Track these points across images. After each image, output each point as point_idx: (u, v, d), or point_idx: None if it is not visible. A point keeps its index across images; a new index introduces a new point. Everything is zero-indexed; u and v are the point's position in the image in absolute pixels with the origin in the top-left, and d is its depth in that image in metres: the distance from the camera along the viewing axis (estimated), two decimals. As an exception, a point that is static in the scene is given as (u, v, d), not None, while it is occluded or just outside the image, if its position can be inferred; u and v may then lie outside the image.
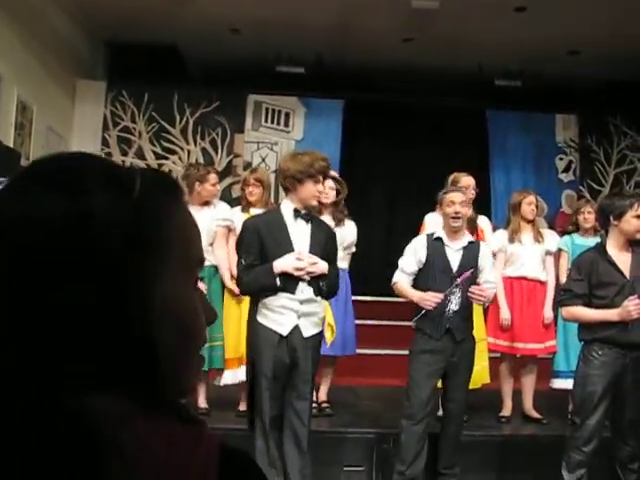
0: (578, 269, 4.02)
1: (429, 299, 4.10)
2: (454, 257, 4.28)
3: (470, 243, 4.35)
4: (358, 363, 5.95)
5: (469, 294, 4.13)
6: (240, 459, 0.73)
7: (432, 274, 4.25)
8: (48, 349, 0.65)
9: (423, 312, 4.13)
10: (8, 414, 0.63)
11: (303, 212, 3.86)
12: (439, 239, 4.33)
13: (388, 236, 9.16)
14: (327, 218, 5.16)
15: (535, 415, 5.35)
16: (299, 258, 3.72)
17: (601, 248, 4.06)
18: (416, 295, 4.21)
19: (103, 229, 0.66)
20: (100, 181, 0.69)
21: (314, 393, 5.21)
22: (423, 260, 4.29)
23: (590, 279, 3.95)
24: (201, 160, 8.03)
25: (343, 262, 5.30)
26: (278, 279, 3.70)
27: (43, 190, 0.68)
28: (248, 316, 3.95)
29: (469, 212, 4.42)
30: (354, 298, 5.58)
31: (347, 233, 5.26)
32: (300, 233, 3.84)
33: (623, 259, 3.98)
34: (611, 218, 4.02)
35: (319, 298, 3.85)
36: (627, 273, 3.93)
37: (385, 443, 4.77)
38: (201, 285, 4.81)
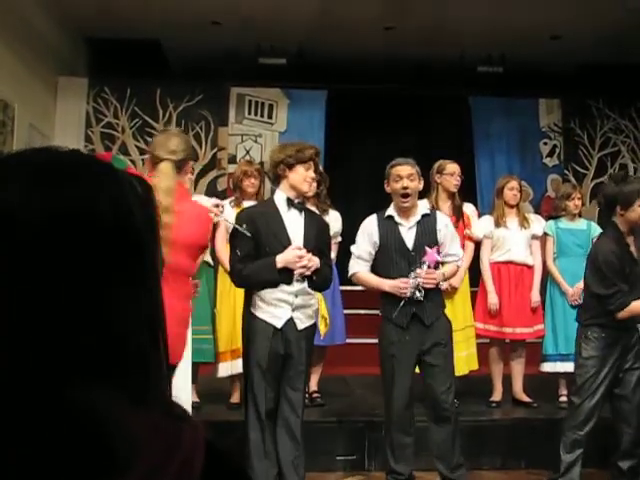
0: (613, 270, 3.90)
1: (404, 286, 3.88)
2: (408, 235, 4.02)
3: (424, 216, 4.07)
4: (348, 352, 5.96)
5: (418, 280, 3.87)
6: (227, 459, 0.74)
7: (389, 257, 4.00)
8: (45, 344, 0.65)
9: (402, 303, 3.86)
10: (9, 409, 0.63)
11: (296, 201, 3.87)
12: (390, 217, 4.09)
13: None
14: (311, 209, 5.17)
15: (525, 399, 5.39)
16: (300, 255, 3.72)
17: (619, 238, 3.94)
18: (387, 284, 3.95)
19: (122, 225, 0.70)
20: (126, 180, 0.73)
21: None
22: (377, 242, 4.05)
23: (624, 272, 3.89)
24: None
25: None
26: (279, 274, 3.71)
27: (76, 185, 0.69)
28: (243, 308, 3.96)
29: (420, 186, 4.10)
30: (344, 288, 5.59)
31: (332, 223, 5.26)
32: (294, 224, 3.85)
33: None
34: (618, 208, 3.90)
35: (313, 290, 3.86)
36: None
37: (377, 431, 4.79)
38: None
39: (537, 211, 7.70)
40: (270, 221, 3.81)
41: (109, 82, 8.38)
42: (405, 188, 3.98)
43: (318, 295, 4.00)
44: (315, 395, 5.28)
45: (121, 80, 8.32)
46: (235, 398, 5.12)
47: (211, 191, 7.92)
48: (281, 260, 3.70)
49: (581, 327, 4.05)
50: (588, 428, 3.92)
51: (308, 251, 3.77)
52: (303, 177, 3.82)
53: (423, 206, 4.20)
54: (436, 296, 4.04)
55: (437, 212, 4.32)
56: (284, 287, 3.74)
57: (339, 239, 5.42)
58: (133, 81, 8.34)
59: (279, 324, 3.75)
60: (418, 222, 4.04)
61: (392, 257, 4.00)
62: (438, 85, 8.81)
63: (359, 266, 4.11)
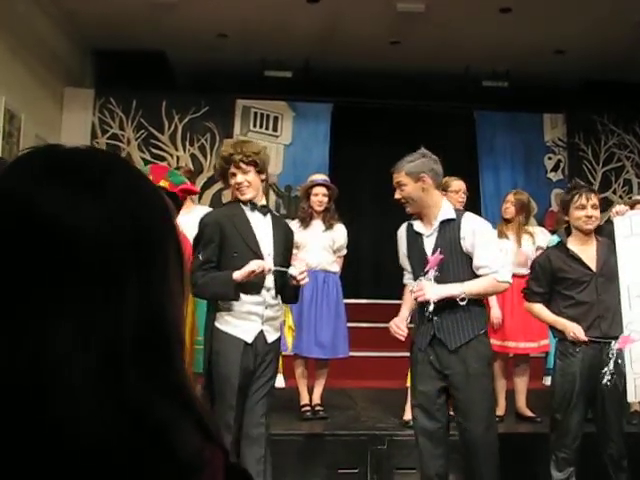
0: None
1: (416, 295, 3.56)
2: (428, 244, 3.63)
3: (444, 222, 3.60)
4: (351, 366, 5.95)
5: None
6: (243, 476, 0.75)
7: (413, 269, 3.73)
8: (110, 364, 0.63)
9: (419, 321, 3.67)
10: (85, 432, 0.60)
11: (259, 205, 3.68)
12: (411, 226, 3.75)
13: (378, 239, 9.17)
14: (318, 222, 5.20)
15: (529, 414, 5.37)
16: (254, 269, 3.47)
17: (562, 244, 4.04)
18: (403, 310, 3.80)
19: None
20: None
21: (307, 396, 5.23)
22: (406, 253, 3.77)
23: (553, 277, 3.94)
24: (190, 166, 8.01)
25: (334, 265, 5.33)
26: (234, 290, 3.48)
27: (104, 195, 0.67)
28: (206, 323, 3.68)
29: (417, 189, 3.63)
30: (347, 301, 5.59)
31: (337, 236, 5.28)
32: (262, 227, 3.66)
33: (588, 253, 3.94)
34: (564, 214, 4.05)
35: (279, 301, 3.69)
36: (593, 266, 3.89)
37: (379, 445, 4.78)
38: None
39: (540, 225, 7.71)
40: (237, 223, 3.59)
41: (115, 93, 8.43)
42: (398, 200, 3.69)
43: (285, 307, 3.85)
44: (318, 408, 5.26)
45: (127, 92, 8.37)
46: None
47: (216, 203, 7.94)
48: (238, 276, 3.45)
49: (558, 342, 4.06)
50: (576, 445, 3.87)
51: (276, 256, 3.60)
52: (232, 187, 3.68)
53: (447, 210, 3.66)
54: (465, 316, 3.58)
55: (466, 216, 3.68)
56: (255, 298, 3.55)
57: (344, 252, 5.43)
58: (139, 93, 8.39)
59: (250, 338, 3.55)
60: (438, 229, 3.61)
61: (415, 269, 3.70)
62: (443, 99, 8.85)
63: (405, 278, 3.87)
